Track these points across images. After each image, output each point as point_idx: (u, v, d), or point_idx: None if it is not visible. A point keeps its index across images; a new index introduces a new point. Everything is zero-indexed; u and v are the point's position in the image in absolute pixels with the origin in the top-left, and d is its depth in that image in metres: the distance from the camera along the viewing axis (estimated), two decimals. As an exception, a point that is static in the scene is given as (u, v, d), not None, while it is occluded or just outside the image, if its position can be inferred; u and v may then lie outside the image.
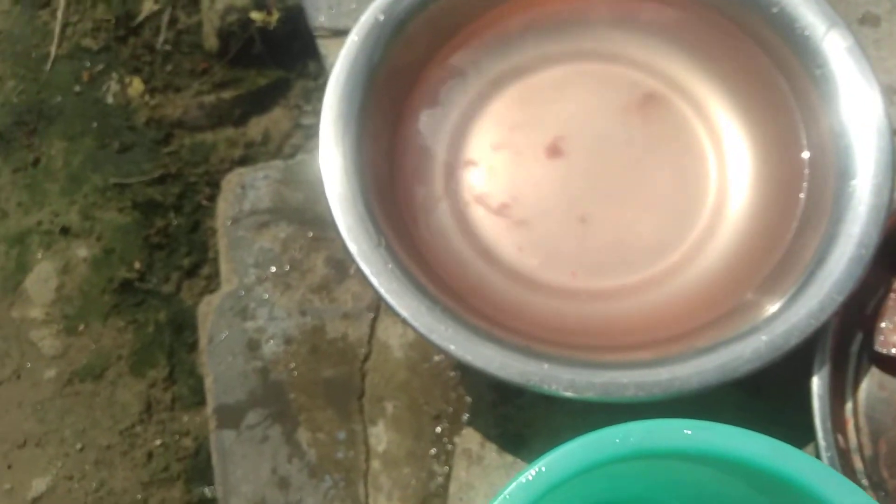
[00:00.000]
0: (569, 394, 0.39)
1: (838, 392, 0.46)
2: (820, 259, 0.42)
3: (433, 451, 0.64)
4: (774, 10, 0.48)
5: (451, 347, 0.40)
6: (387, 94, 0.50)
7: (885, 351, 0.46)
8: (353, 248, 0.43)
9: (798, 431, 0.44)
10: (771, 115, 0.48)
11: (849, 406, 0.47)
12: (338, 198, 0.45)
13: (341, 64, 0.48)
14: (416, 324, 0.41)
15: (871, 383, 0.48)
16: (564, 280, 0.47)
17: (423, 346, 0.68)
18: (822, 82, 0.46)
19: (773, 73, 0.49)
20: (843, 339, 0.47)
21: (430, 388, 0.66)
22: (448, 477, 0.54)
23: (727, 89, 0.50)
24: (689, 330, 0.43)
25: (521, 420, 0.49)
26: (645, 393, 0.39)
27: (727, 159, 0.50)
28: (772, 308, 0.42)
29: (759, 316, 0.42)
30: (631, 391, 0.39)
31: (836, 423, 0.44)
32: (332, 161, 0.46)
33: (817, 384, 0.43)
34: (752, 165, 0.49)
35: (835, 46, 0.46)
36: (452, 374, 0.66)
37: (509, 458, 0.48)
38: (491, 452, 0.48)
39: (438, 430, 0.65)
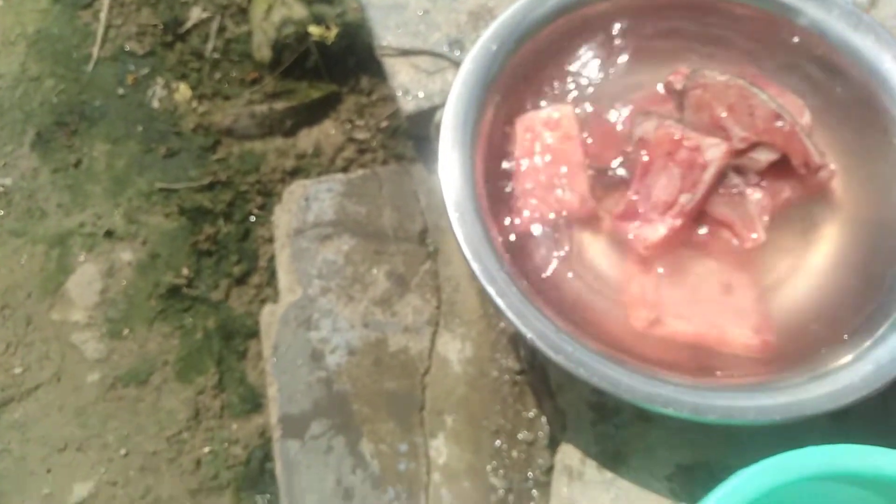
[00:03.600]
0: (691, 416, 0.41)
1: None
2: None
3: (492, 464, 0.65)
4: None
5: (580, 371, 0.42)
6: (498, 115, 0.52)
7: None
8: (476, 267, 0.45)
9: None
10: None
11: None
12: (460, 214, 0.46)
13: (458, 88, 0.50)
14: (541, 345, 0.43)
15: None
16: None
17: (481, 362, 0.69)
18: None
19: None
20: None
21: (488, 403, 0.68)
22: (544, 492, 0.55)
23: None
24: (802, 356, 0.45)
25: (619, 438, 0.50)
26: (765, 417, 0.41)
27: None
28: (875, 337, 0.45)
29: (863, 345, 0.44)
30: (751, 415, 0.41)
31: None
32: (453, 181, 0.47)
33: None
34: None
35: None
36: (510, 390, 0.68)
37: (608, 474, 0.49)
38: (591, 469, 0.50)
39: (497, 444, 0.66)
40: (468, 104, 0.50)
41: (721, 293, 0.48)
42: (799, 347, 0.48)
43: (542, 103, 0.52)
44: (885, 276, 0.49)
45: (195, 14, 0.96)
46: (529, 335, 0.43)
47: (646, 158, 0.48)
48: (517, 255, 0.49)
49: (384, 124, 0.85)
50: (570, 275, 0.49)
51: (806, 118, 0.52)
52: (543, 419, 0.63)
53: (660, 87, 0.55)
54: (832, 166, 0.51)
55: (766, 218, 0.48)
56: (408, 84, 0.76)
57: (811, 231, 0.52)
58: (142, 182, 0.87)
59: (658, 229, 0.47)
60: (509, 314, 0.44)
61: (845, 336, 0.46)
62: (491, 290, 0.45)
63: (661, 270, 0.48)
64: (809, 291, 0.51)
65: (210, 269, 0.82)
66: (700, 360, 0.47)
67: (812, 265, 0.52)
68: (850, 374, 0.43)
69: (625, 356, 0.45)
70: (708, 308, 0.48)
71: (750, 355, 0.47)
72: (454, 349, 0.70)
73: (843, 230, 0.52)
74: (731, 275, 0.48)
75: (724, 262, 0.48)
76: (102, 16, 0.98)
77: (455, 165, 0.48)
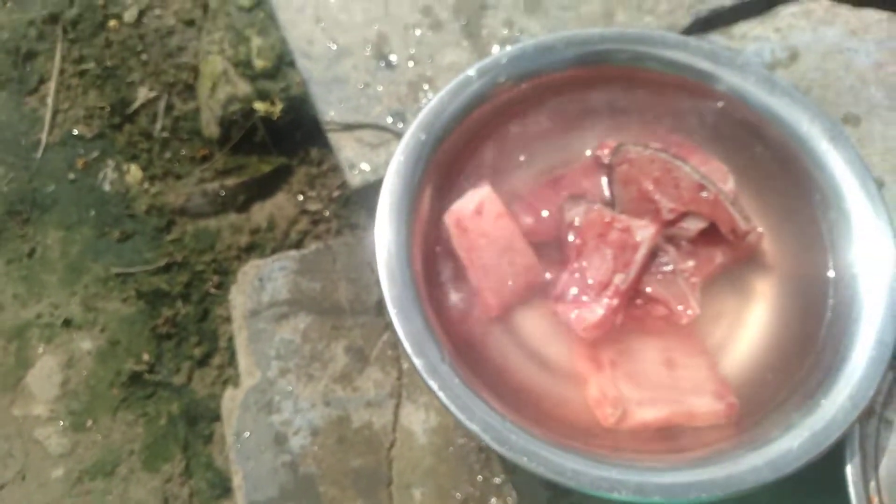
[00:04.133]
0: (636, 498, 0.42)
1: (865, 474, 0.50)
2: (843, 358, 0.47)
3: (463, 536, 0.65)
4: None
5: (524, 460, 0.42)
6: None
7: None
8: (419, 363, 0.46)
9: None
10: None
11: (872, 485, 0.51)
12: (400, 310, 0.47)
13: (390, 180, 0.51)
14: (486, 437, 0.43)
15: (891, 462, 0.52)
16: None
17: (446, 431, 0.69)
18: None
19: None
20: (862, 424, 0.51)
21: (455, 472, 0.68)
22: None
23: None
24: (737, 430, 0.46)
25: (576, 515, 0.51)
26: (706, 493, 0.42)
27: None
28: (808, 406, 0.46)
29: (800, 410, 0.46)
30: (693, 493, 0.42)
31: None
32: (392, 277, 0.48)
33: (851, 472, 0.47)
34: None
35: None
36: (477, 457, 0.68)
37: (568, 554, 0.50)
38: (549, 550, 0.50)
39: (467, 514, 0.66)
40: (402, 196, 0.51)
41: (673, 369, 0.49)
42: (760, 402, 0.49)
43: (470, 188, 0.54)
44: (816, 334, 0.50)
45: (142, 94, 0.97)
46: (474, 428, 0.44)
47: (578, 241, 0.49)
48: (462, 344, 0.49)
49: (336, 194, 0.86)
50: (518, 360, 0.50)
51: (730, 184, 0.53)
52: (510, 485, 0.64)
53: (588, 156, 0.56)
54: (759, 229, 0.53)
55: (698, 291, 0.49)
56: (353, 158, 0.77)
57: (746, 292, 0.54)
58: (97, 268, 0.87)
59: (595, 311, 0.48)
60: (452, 408, 0.45)
61: (786, 397, 0.48)
62: (433, 384, 0.45)
63: (610, 359, 0.48)
64: (752, 351, 0.52)
65: (171, 352, 0.82)
66: (672, 440, 0.48)
67: (750, 325, 0.53)
68: (788, 441, 0.44)
69: (588, 446, 0.45)
70: (667, 387, 0.48)
71: (720, 422, 0.48)
72: (418, 420, 0.70)
73: (776, 289, 0.53)
74: (678, 349, 0.50)
75: (668, 338, 0.50)
76: (49, 100, 0.98)
77: (393, 260, 0.49)
